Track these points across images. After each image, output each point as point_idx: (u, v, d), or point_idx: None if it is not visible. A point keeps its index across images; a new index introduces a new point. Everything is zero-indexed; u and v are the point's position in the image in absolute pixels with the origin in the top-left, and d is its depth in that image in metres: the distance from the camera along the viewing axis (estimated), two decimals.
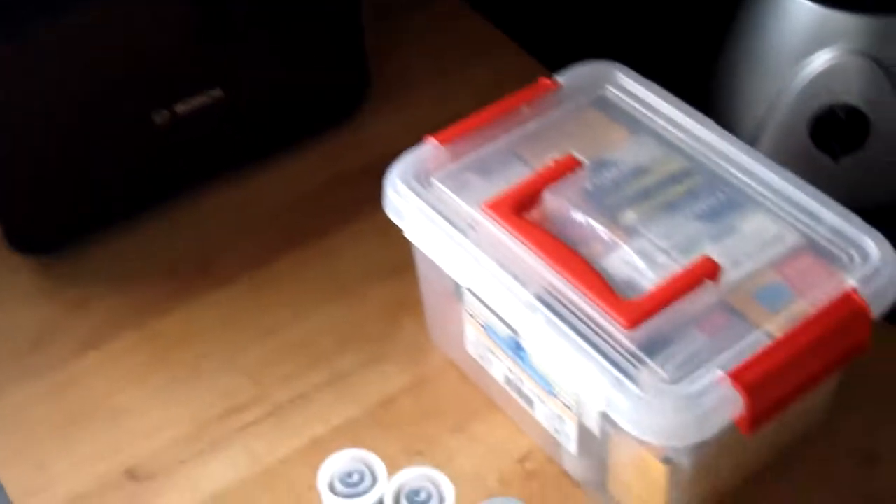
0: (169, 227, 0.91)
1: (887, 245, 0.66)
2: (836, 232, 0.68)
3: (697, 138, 0.74)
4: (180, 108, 0.87)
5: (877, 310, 0.64)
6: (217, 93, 0.88)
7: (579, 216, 0.70)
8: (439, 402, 0.77)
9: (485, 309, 0.71)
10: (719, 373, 0.61)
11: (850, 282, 0.65)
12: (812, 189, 0.70)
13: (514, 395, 0.73)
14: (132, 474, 0.75)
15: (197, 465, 0.75)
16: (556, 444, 0.71)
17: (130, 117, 0.85)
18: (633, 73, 0.79)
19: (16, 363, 0.82)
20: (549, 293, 0.66)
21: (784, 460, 0.72)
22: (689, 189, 0.72)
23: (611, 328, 0.63)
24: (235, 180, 0.93)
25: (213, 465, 0.75)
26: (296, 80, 0.93)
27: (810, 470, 0.72)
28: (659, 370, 0.62)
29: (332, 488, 0.67)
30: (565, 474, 0.73)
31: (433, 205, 0.71)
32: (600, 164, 0.73)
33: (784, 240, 0.68)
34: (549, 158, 0.73)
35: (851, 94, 0.83)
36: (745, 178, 0.71)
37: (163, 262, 0.88)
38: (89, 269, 0.88)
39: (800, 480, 0.72)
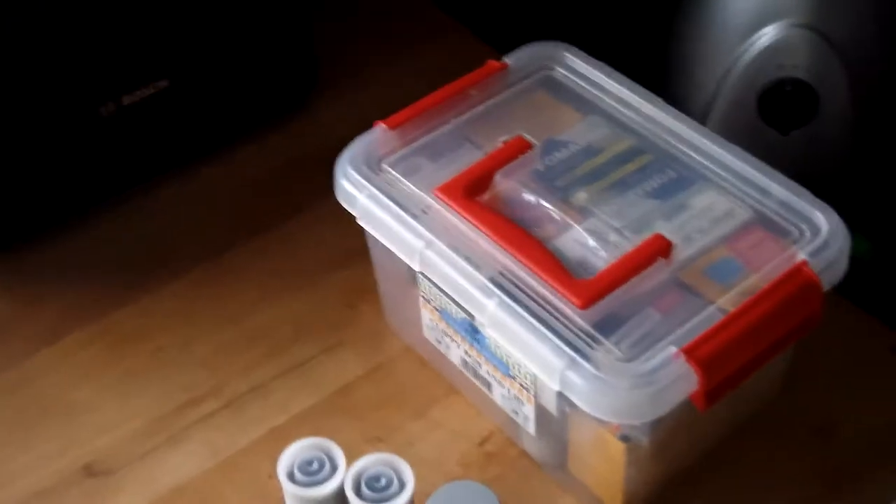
0: (122, 219, 0.90)
1: (836, 218, 0.67)
2: (785, 206, 0.68)
3: (647, 117, 0.75)
4: (126, 99, 0.86)
5: (827, 282, 0.65)
6: (163, 83, 0.87)
7: (531, 198, 0.70)
8: (398, 387, 0.77)
9: (440, 293, 0.71)
10: (673, 350, 0.61)
11: (801, 255, 0.65)
12: (761, 164, 0.70)
13: (472, 378, 0.73)
14: (90, 470, 0.74)
15: (156, 459, 0.75)
16: (516, 426, 0.72)
17: (76, 110, 0.84)
18: (581, 53, 0.79)
19: None
20: (503, 276, 0.66)
21: (740, 435, 0.73)
22: (639, 168, 0.72)
23: (565, 308, 0.64)
24: (188, 171, 0.93)
25: (173, 459, 0.74)
26: (243, 69, 0.92)
27: (767, 444, 0.73)
28: (614, 349, 0.62)
29: (291, 477, 0.66)
30: (525, 455, 0.73)
31: (384, 190, 0.71)
32: (551, 145, 0.73)
33: (734, 215, 0.69)
34: (499, 141, 0.74)
35: (799, 68, 0.83)
36: (695, 156, 0.72)
37: (117, 255, 0.88)
38: (41, 264, 0.87)
39: (756, 455, 0.72)
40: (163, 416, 0.77)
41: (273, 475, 0.67)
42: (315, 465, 0.67)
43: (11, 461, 0.75)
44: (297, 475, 0.66)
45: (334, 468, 0.67)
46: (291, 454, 0.67)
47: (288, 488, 0.66)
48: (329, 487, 0.66)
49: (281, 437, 0.74)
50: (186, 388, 0.78)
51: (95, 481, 0.74)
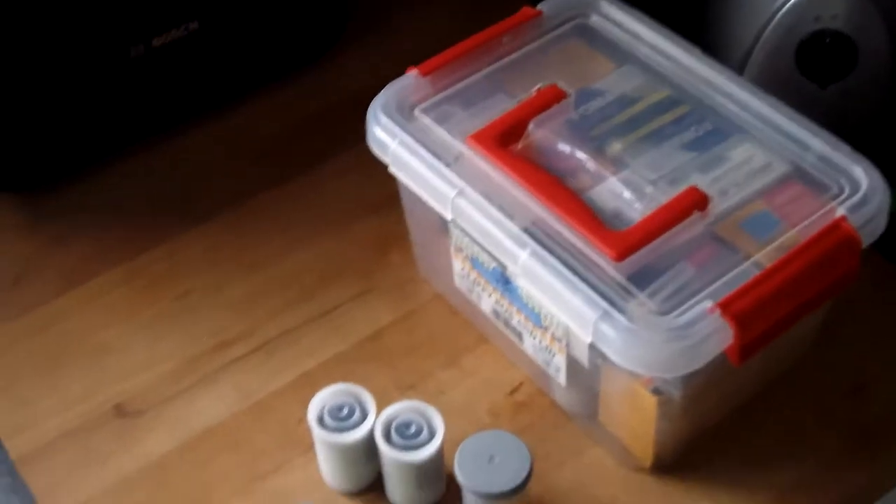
0: (151, 162, 0.90)
1: (876, 173, 0.66)
2: (824, 160, 0.68)
3: (684, 67, 0.74)
4: (157, 41, 0.85)
5: (866, 238, 0.64)
6: (194, 25, 0.86)
7: (565, 147, 0.70)
8: (429, 335, 0.77)
9: (471, 242, 0.70)
10: (708, 304, 0.61)
11: (840, 210, 0.65)
12: (800, 117, 0.70)
13: (503, 328, 0.73)
14: (120, 410, 0.75)
15: (186, 401, 0.75)
16: (546, 377, 0.72)
17: (105, 50, 0.84)
18: (617, 1, 0.78)
19: None
20: (537, 226, 0.65)
21: (772, 391, 0.73)
22: (675, 119, 0.71)
23: (599, 260, 0.63)
24: (217, 115, 0.92)
25: (203, 401, 0.75)
26: (273, 14, 0.92)
27: (798, 400, 0.73)
28: (648, 302, 0.62)
29: (321, 422, 0.67)
30: (555, 406, 0.73)
31: (417, 137, 0.71)
32: (585, 95, 0.73)
33: (772, 169, 0.68)
34: (533, 89, 0.73)
35: (837, 19, 0.82)
36: (732, 107, 0.71)
37: (145, 198, 0.88)
38: (71, 205, 0.87)
39: (788, 411, 0.72)
40: (193, 358, 0.77)
41: (303, 420, 0.68)
42: (345, 411, 0.67)
43: (41, 401, 0.75)
44: (328, 420, 0.67)
45: (364, 414, 0.67)
46: (322, 399, 0.67)
47: (318, 433, 0.67)
48: (359, 433, 0.66)
49: (311, 383, 0.74)
50: (216, 332, 0.78)
51: (125, 421, 0.74)
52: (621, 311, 0.61)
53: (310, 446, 0.70)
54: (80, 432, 0.74)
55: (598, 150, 0.69)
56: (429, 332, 0.78)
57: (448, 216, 0.69)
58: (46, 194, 0.87)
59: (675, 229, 0.64)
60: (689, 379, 0.63)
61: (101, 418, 0.74)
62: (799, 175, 0.67)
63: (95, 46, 0.83)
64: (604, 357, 0.63)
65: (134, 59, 0.85)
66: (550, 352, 0.69)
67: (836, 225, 0.64)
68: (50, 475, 0.71)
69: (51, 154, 0.87)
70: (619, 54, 0.76)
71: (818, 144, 0.68)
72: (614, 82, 0.74)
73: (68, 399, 0.75)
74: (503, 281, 0.70)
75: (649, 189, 0.67)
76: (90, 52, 0.83)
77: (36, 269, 0.83)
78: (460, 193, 0.68)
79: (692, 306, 0.61)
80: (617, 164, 0.69)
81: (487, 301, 0.73)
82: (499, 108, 0.72)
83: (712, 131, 0.70)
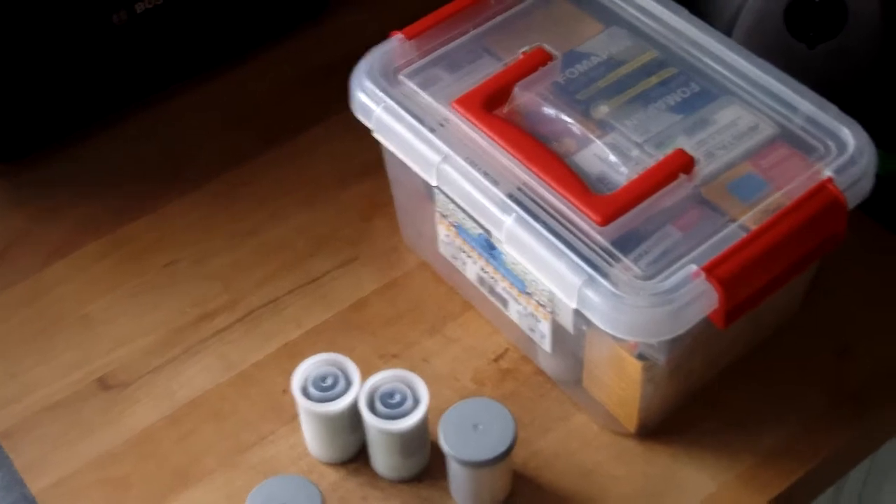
0: (135, 131, 0.89)
1: (863, 134, 0.65)
2: (811, 122, 0.67)
3: (671, 28, 0.73)
4: (139, 6, 0.84)
5: (853, 200, 0.63)
6: None
7: (551, 111, 0.69)
8: (413, 303, 0.77)
9: (456, 209, 0.69)
10: (693, 268, 0.60)
11: (826, 172, 0.64)
12: (787, 78, 0.69)
13: (488, 294, 0.72)
14: (105, 383, 0.74)
15: (170, 372, 0.74)
16: (531, 343, 0.71)
17: (88, 18, 0.83)
18: None
19: None
20: (521, 191, 0.65)
21: (759, 354, 0.72)
22: (662, 81, 0.70)
23: (584, 225, 0.62)
24: (200, 82, 0.91)
25: (187, 372, 0.74)
26: None
27: (786, 363, 0.72)
28: (633, 266, 0.61)
29: (305, 392, 0.66)
30: (540, 372, 0.72)
31: (401, 102, 0.70)
32: (572, 57, 0.72)
33: (759, 131, 0.67)
34: (518, 52, 0.72)
35: None
36: (719, 69, 0.70)
37: (130, 168, 0.87)
38: (55, 176, 0.86)
39: (775, 374, 0.72)
40: (177, 329, 0.76)
41: (287, 390, 0.67)
42: (329, 381, 0.66)
43: (27, 373, 0.75)
44: (311, 390, 0.66)
45: (349, 384, 0.66)
46: (306, 369, 0.67)
47: (302, 403, 0.66)
48: (343, 403, 0.66)
49: (295, 352, 0.73)
50: (200, 302, 0.78)
51: (110, 394, 0.74)
52: (606, 276, 0.61)
53: (294, 416, 0.70)
54: (65, 405, 0.73)
55: (583, 114, 0.69)
56: (413, 300, 0.77)
57: (433, 182, 0.68)
58: (31, 165, 0.87)
59: (660, 193, 0.63)
60: (673, 343, 0.62)
61: (86, 391, 0.74)
62: (786, 137, 0.67)
63: (77, 13, 0.82)
64: (588, 322, 0.62)
65: (116, 26, 0.84)
66: (535, 318, 0.69)
67: (823, 187, 0.63)
68: (34, 449, 0.71)
69: (34, 124, 0.86)
70: (607, 15, 0.75)
71: (805, 106, 0.67)
72: (601, 44, 0.73)
73: (53, 372, 0.75)
74: (488, 247, 0.69)
75: (635, 152, 0.66)
76: (72, 20, 0.82)
77: (21, 242, 0.83)
78: (445, 159, 0.67)
79: (677, 270, 0.61)
80: (603, 128, 0.68)
81: (472, 268, 0.72)
82: (485, 71, 0.71)
83: (699, 93, 0.69)
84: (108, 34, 0.84)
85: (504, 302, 0.71)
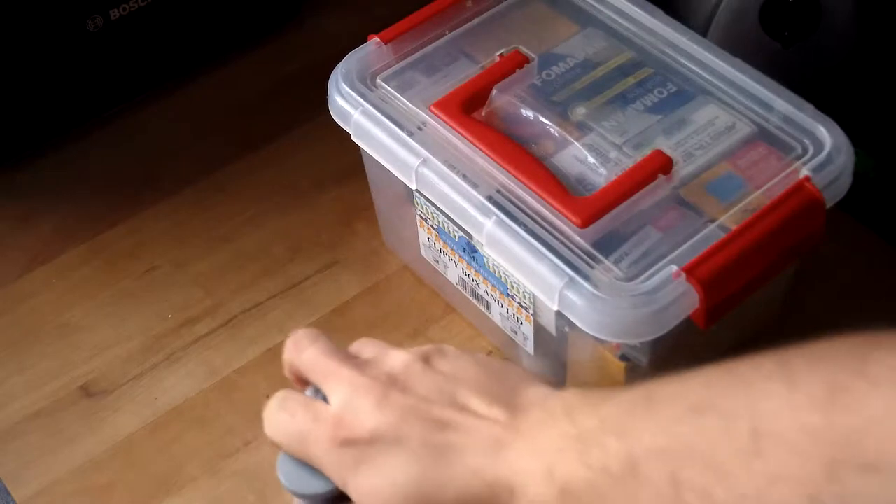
0: (113, 137, 0.89)
1: (840, 132, 0.66)
2: (788, 121, 0.67)
3: (647, 29, 0.73)
4: (114, 13, 0.84)
5: (831, 198, 0.64)
6: None
7: (529, 113, 0.69)
8: (395, 307, 0.77)
9: (436, 212, 0.70)
10: (674, 268, 0.60)
11: (804, 171, 0.64)
12: (763, 77, 0.69)
13: (470, 297, 0.73)
14: (87, 390, 0.74)
15: (153, 379, 0.74)
16: (514, 345, 0.71)
17: (62, 24, 0.82)
18: None
19: None
20: (501, 194, 0.65)
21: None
22: (639, 82, 0.70)
23: (564, 227, 0.63)
24: (178, 88, 0.91)
25: (170, 379, 0.74)
26: None
27: None
28: (613, 268, 0.61)
29: None
30: None
31: (379, 106, 0.70)
32: (548, 59, 0.72)
33: (736, 130, 0.67)
34: (495, 54, 0.72)
35: None
36: (695, 69, 0.70)
37: (108, 173, 0.87)
38: (33, 183, 0.86)
39: None
40: (159, 336, 0.76)
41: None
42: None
43: (7, 381, 0.75)
44: None
45: None
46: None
47: None
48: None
49: (278, 357, 0.72)
50: (182, 308, 0.78)
51: (92, 401, 0.73)
52: (587, 278, 0.61)
53: None
54: (46, 414, 0.73)
55: (561, 116, 0.69)
56: (395, 303, 0.77)
57: (412, 186, 0.68)
58: (7, 172, 0.86)
59: (639, 194, 0.64)
60: (656, 344, 0.63)
61: (68, 399, 0.73)
62: (763, 136, 0.67)
63: (51, 20, 0.82)
64: (571, 324, 0.62)
65: (91, 33, 0.84)
66: (518, 320, 0.69)
67: (801, 185, 0.63)
68: (16, 457, 0.71)
69: (9, 132, 0.86)
70: (582, 17, 0.75)
71: (782, 105, 0.67)
72: (577, 46, 0.73)
73: (34, 381, 0.75)
74: (469, 250, 0.70)
75: (613, 153, 0.67)
76: (46, 27, 0.82)
77: (0, 249, 0.82)
78: (424, 163, 0.67)
79: (658, 271, 0.61)
80: (581, 129, 0.68)
81: (454, 271, 0.73)
82: (462, 74, 0.71)
83: (676, 94, 0.70)
84: (83, 41, 0.84)
85: (486, 304, 0.71)
